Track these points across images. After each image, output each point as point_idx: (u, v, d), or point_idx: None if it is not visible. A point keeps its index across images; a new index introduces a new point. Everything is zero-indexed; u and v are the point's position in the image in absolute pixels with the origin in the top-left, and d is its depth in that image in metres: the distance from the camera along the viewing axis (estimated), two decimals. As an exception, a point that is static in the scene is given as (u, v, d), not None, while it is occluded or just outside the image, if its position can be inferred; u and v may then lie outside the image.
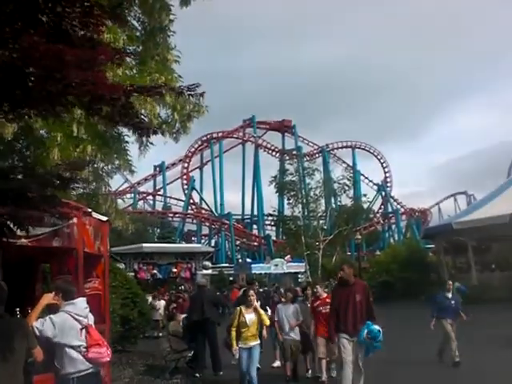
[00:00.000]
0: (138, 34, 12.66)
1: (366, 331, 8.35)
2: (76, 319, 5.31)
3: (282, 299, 12.91)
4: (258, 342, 9.97)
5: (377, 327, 8.47)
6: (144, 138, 11.95)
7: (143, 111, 10.38)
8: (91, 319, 5.56)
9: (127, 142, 12.24)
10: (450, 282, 13.63)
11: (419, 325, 15.34)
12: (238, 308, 10.11)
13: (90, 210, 8.04)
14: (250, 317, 9.81)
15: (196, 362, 12.82)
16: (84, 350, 5.24)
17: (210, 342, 12.85)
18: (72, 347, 5.21)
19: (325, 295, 11.31)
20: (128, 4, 12.33)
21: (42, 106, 4.41)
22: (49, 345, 5.13)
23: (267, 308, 13.67)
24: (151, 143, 12.06)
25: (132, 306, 15.99)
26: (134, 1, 12.31)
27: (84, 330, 5.31)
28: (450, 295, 13.03)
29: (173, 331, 14.16)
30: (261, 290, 24.91)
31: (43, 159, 9.93)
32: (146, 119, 10.28)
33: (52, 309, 5.40)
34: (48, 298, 5.41)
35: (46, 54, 3.73)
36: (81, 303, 5.50)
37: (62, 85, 4.01)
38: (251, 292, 10.30)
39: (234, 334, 9.78)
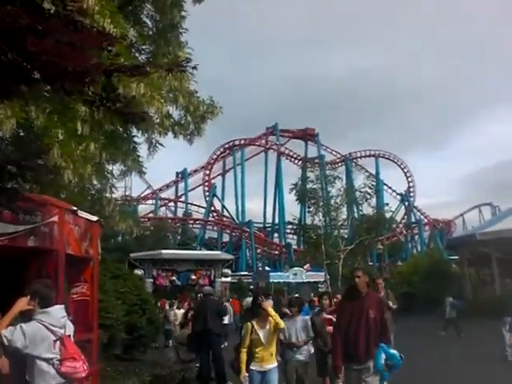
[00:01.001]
0: (150, 32, 12.37)
1: (383, 356, 6.86)
2: (50, 330, 4.79)
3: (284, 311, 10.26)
4: (276, 364, 8.19)
5: (397, 353, 7.05)
6: (152, 139, 11.70)
7: (151, 109, 9.96)
8: (70, 329, 5.04)
9: (136, 142, 11.89)
10: None
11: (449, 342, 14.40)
12: (249, 324, 8.12)
13: (75, 208, 7.34)
14: (264, 332, 7.96)
15: (201, 374, 12.19)
16: (57, 363, 4.72)
17: (213, 354, 12.09)
18: (44, 360, 4.70)
19: None
20: (140, 1, 12.08)
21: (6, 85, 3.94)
22: (20, 356, 4.63)
23: None
24: (161, 144, 11.71)
25: (140, 313, 15.48)
26: (147, -3, 12.08)
27: (58, 342, 4.78)
28: None
29: (181, 339, 13.63)
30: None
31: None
32: (156, 118, 9.96)
33: (26, 315, 4.88)
34: (22, 304, 4.87)
35: (2, 16, 3.27)
36: (57, 312, 4.96)
37: (21, 57, 3.55)
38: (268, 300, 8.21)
39: (243, 356, 7.92)
